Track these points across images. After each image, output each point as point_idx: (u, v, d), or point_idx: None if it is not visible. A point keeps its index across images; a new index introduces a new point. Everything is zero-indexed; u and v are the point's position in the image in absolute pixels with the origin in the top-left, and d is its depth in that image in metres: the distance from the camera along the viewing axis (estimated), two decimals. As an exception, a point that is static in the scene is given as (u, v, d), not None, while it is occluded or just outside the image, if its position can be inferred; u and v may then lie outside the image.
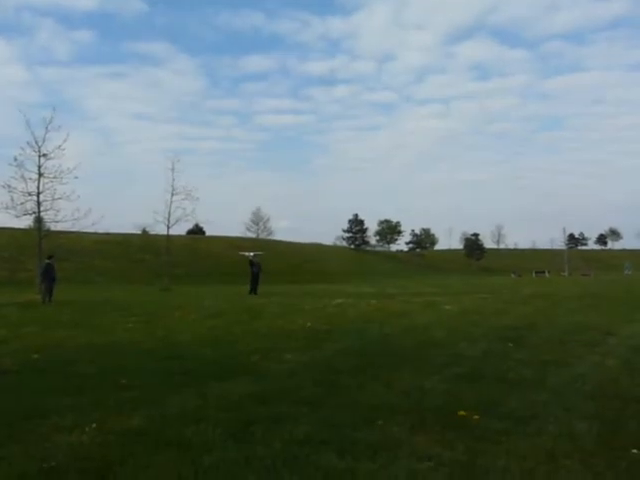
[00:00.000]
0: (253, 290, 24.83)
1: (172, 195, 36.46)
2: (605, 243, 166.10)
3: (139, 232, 73.62)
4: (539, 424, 4.11)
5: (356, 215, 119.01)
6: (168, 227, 37.25)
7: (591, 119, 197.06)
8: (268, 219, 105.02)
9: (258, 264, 26.13)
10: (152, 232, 57.05)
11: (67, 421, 4.23)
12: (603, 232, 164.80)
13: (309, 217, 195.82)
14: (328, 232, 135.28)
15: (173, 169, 36.87)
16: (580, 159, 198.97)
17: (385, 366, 6.51)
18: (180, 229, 51.55)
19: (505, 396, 4.99)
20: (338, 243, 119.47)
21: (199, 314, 14.20)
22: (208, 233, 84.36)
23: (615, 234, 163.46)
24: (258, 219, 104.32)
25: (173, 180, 36.55)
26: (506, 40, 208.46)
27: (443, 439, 3.74)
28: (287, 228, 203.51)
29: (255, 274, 25.33)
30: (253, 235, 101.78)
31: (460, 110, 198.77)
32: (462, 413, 4.29)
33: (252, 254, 28.13)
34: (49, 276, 20.20)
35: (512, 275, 79.15)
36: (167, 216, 36.67)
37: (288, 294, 24.40)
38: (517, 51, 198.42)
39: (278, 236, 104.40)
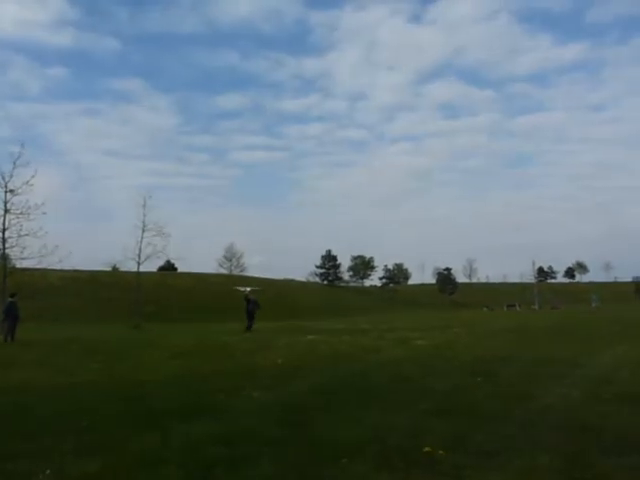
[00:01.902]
0: (249, 327, 24.20)
1: (143, 231, 36.16)
2: (573, 276, 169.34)
3: (109, 269, 72.26)
4: (504, 458, 4.10)
5: (329, 251, 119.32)
6: (139, 264, 36.79)
7: (557, 156, 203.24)
8: (241, 255, 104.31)
9: (254, 300, 25.51)
10: (122, 269, 56.17)
11: (21, 468, 4.06)
12: (571, 265, 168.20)
13: (282, 253, 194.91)
14: (301, 268, 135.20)
15: (144, 205, 36.68)
16: (547, 195, 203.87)
17: (354, 403, 6.44)
18: (151, 266, 50.97)
19: (472, 430, 4.98)
20: (311, 279, 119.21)
21: (167, 352, 13.91)
22: (180, 269, 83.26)
23: (582, 267, 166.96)
24: (231, 255, 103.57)
25: (144, 216, 36.33)
26: (473, 81, 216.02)
27: (407, 476, 3.70)
28: (260, 264, 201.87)
29: (250, 310, 24.71)
30: (226, 271, 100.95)
31: (430, 147, 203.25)
32: (427, 449, 4.26)
33: (248, 289, 27.53)
34: (11, 315, 19.61)
35: (484, 309, 79.88)
36: (138, 252, 36.25)
37: (260, 330, 24.13)
38: (484, 91, 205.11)
39: (251, 272, 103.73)
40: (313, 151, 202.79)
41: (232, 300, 66.57)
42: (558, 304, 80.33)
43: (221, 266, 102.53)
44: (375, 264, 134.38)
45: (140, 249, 36.13)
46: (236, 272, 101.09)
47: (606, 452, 4.27)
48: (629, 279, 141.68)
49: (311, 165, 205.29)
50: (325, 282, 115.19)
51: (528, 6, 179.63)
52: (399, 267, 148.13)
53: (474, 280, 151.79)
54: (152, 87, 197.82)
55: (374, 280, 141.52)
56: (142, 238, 36.05)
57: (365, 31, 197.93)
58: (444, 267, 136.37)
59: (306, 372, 9.58)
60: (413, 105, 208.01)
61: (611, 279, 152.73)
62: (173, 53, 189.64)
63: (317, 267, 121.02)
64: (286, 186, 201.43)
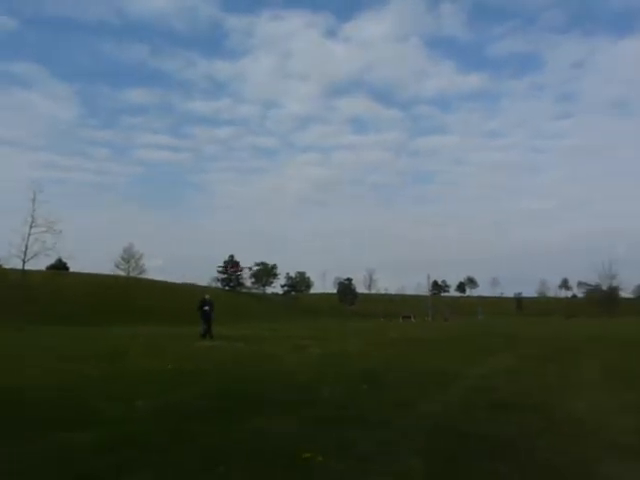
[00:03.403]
0: (208, 332, 22.60)
1: (31, 227, 33.94)
2: (464, 290, 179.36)
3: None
4: (382, 463, 4.24)
5: (232, 256, 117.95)
6: (24, 261, 34.37)
7: (454, 177, 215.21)
8: (140, 257, 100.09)
9: (211, 302, 23.85)
10: (6, 266, 52.13)
11: None
12: (462, 280, 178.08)
13: (184, 257, 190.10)
14: (203, 273, 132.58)
15: (34, 199, 34.42)
16: (444, 212, 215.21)
17: (241, 410, 6.39)
18: (39, 264, 47.77)
19: (355, 436, 5.10)
20: (213, 284, 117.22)
21: (51, 357, 13.07)
22: (73, 269, 78.62)
23: (472, 282, 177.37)
24: (129, 256, 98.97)
25: (33, 211, 34.09)
26: (382, 99, 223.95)
27: (284, 483, 3.74)
28: (160, 267, 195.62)
29: (208, 314, 23.10)
30: (123, 273, 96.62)
31: (339, 160, 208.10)
32: (307, 455, 4.31)
33: (207, 296, 25.23)
34: None
35: (381, 319, 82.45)
36: (24, 249, 33.87)
37: (157, 335, 23.35)
38: (391, 110, 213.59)
39: (150, 275, 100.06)
40: (221, 155, 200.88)
41: (127, 302, 63.94)
42: (449, 316, 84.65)
43: (118, 267, 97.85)
44: (278, 272, 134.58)
45: (27, 246, 33.83)
46: (134, 274, 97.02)
47: (478, 456, 4.54)
48: (512, 294, 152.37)
49: (218, 169, 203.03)
50: (227, 288, 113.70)
51: (436, 33, 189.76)
52: (301, 275, 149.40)
53: (373, 291, 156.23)
54: (51, 74, 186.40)
55: (276, 288, 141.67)
56: (29, 234, 33.80)
57: (280, 40, 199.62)
58: (345, 277, 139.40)
59: (196, 378, 9.38)
60: (324, 117, 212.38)
61: (497, 294, 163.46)
62: (77, 40, 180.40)
63: (219, 272, 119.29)
64: (191, 189, 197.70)
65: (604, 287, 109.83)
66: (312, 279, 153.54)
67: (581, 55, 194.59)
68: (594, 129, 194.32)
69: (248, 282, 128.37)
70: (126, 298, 67.01)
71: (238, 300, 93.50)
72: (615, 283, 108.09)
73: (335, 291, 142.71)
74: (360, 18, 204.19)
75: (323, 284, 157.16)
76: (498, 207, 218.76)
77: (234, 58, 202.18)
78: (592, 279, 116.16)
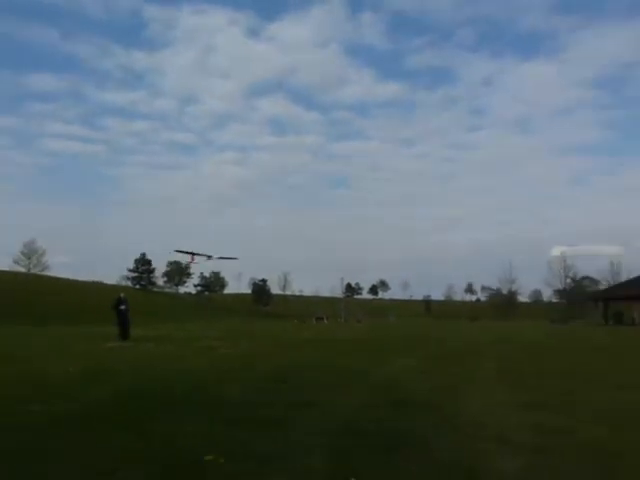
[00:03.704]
0: (124, 333, 21.24)
1: None
2: (376, 293, 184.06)
3: None
4: (282, 463, 4.27)
5: (143, 254, 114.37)
6: None
7: (370, 182, 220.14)
8: (43, 253, 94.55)
9: (127, 301, 22.32)
10: None
11: None
12: (375, 283, 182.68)
13: (91, 253, 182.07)
14: (112, 271, 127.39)
15: None
16: (359, 216, 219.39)
17: (143, 412, 6.20)
18: None
19: (258, 437, 5.10)
20: (122, 283, 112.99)
21: None
22: (-36, 264, 72.91)
23: (384, 285, 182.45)
24: (31, 252, 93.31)
25: None
26: (302, 102, 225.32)
27: (184, 485, 3.68)
28: (65, 264, 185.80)
29: (124, 314, 21.64)
30: (23, 269, 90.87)
31: (257, 160, 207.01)
32: (209, 457, 4.27)
33: (123, 294, 23.36)
34: None
35: (295, 321, 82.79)
36: None
37: (60, 336, 22.11)
38: (311, 113, 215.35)
39: (54, 272, 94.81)
40: (136, 149, 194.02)
41: (28, 301, 60.07)
42: (361, 318, 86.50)
43: (17, 263, 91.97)
44: (191, 271, 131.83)
45: None
46: (35, 271, 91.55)
47: (375, 452, 4.68)
48: (422, 297, 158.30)
49: (132, 164, 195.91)
50: (137, 287, 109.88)
51: (356, 41, 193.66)
52: (216, 275, 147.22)
53: (288, 292, 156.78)
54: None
55: (189, 287, 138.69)
56: None
57: (202, 35, 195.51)
58: (260, 278, 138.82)
59: (99, 381, 9.00)
60: (244, 116, 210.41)
61: (408, 297, 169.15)
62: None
63: (129, 271, 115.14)
64: (103, 183, 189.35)
65: (504, 291, 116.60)
66: (227, 279, 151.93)
67: (490, 73, 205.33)
68: (501, 143, 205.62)
69: (160, 281, 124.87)
70: (26, 296, 63.05)
71: (149, 300, 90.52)
72: (514, 288, 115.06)
73: (250, 292, 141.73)
74: (283, 20, 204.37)
75: (238, 285, 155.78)
76: (410, 213, 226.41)
77: (153, 49, 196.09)
78: (494, 284, 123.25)
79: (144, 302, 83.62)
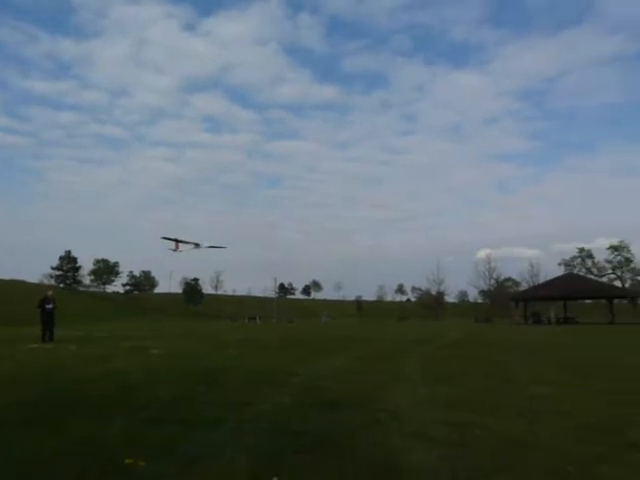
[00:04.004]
0: (49, 335, 19.97)
1: None
2: (309, 293, 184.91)
3: None
4: (204, 464, 4.27)
5: (69, 252, 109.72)
6: None
7: (305, 183, 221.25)
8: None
9: (54, 300, 21.02)
10: None
11: None
12: (308, 283, 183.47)
13: (11, 250, 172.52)
14: (34, 268, 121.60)
15: None
16: (293, 216, 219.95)
17: (62, 414, 6.01)
18: None
19: (184, 438, 5.07)
20: (45, 281, 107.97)
21: None
22: None
23: (317, 285, 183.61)
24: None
25: None
26: (238, 100, 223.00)
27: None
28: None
29: (50, 313, 20.46)
30: None
31: (191, 157, 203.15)
32: (129, 460, 4.20)
33: (50, 292, 21.73)
34: None
35: (228, 320, 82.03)
36: None
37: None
38: (247, 111, 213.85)
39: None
40: (62, 142, 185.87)
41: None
42: (293, 318, 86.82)
43: None
44: (120, 269, 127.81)
45: None
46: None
47: (300, 452, 4.76)
48: (353, 298, 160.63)
49: (58, 157, 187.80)
50: (62, 285, 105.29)
51: (294, 41, 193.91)
52: (146, 274, 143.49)
53: (221, 292, 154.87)
54: None
55: (117, 286, 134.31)
56: None
57: (135, 27, 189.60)
58: (192, 277, 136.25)
59: (17, 384, 8.62)
60: (177, 113, 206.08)
61: (340, 297, 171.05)
62: None
63: (53, 269, 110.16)
64: (26, 176, 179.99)
65: (433, 292, 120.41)
66: (157, 278, 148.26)
67: (423, 80, 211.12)
68: (432, 149, 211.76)
69: (87, 280, 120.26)
70: None
71: (75, 299, 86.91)
72: (442, 288, 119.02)
73: (181, 291, 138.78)
74: (221, 15, 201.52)
75: (169, 284, 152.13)
76: (344, 214, 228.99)
77: (82, 38, 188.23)
78: (424, 284, 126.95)
79: (69, 302, 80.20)
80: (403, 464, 4.47)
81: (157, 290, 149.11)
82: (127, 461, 4.20)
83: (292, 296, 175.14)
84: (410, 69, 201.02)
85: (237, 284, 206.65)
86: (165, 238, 44.84)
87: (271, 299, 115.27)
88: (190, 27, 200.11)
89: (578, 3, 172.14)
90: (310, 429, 5.63)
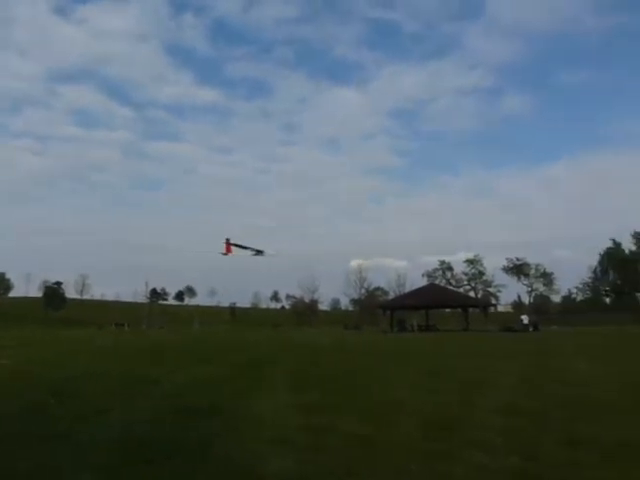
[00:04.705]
0: None
1: None
2: (182, 299, 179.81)
3: None
4: None
5: None
6: None
7: (183, 186, 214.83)
8: None
9: None
10: None
11: None
12: (181, 289, 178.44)
13: None
14: None
15: None
16: (169, 220, 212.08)
17: None
18: None
19: (28, 455, 4.76)
20: None
21: None
22: None
23: (191, 291, 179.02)
24: None
25: None
26: (115, 95, 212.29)
27: None
28: None
29: None
30: None
31: (59, 152, 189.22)
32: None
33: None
34: None
35: (94, 327, 77.37)
36: None
37: None
38: (124, 108, 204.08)
39: None
40: None
41: None
42: (165, 324, 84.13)
43: None
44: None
45: None
46: None
47: (152, 462, 4.66)
48: (228, 304, 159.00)
49: None
50: None
51: (177, 41, 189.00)
52: (0, 277, 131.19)
53: (87, 297, 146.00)
54: None
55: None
56: None
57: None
58: (54, 281, 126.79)
59: None
60: (45, 102, 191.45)
61: (215, 303, 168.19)
62: None
63: None
64: None
65: (307, 300, 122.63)
66: (13, 281, 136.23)
67: (305, 93, 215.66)
68: (311, 160, 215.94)
69: None
70: None
71: None
72: (316, 296, 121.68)
73: (41, 295, 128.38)
74: (98, 4, 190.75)
75: (26, 287, 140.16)
76: (222, 220, 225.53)
77: None
78: (298, 292, 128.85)
79: None
80: (259, 468, 4.56)
81: (12, 294, 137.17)
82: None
83: (165, 302, 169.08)
84: (293, 81, 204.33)
85: (106, 289, 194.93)
86: (231, 244, 39.28)
87: (142, 304, 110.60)
88: (62, 11, 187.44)
89: (445, 37, 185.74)
90: (166, 438, 5.53)
